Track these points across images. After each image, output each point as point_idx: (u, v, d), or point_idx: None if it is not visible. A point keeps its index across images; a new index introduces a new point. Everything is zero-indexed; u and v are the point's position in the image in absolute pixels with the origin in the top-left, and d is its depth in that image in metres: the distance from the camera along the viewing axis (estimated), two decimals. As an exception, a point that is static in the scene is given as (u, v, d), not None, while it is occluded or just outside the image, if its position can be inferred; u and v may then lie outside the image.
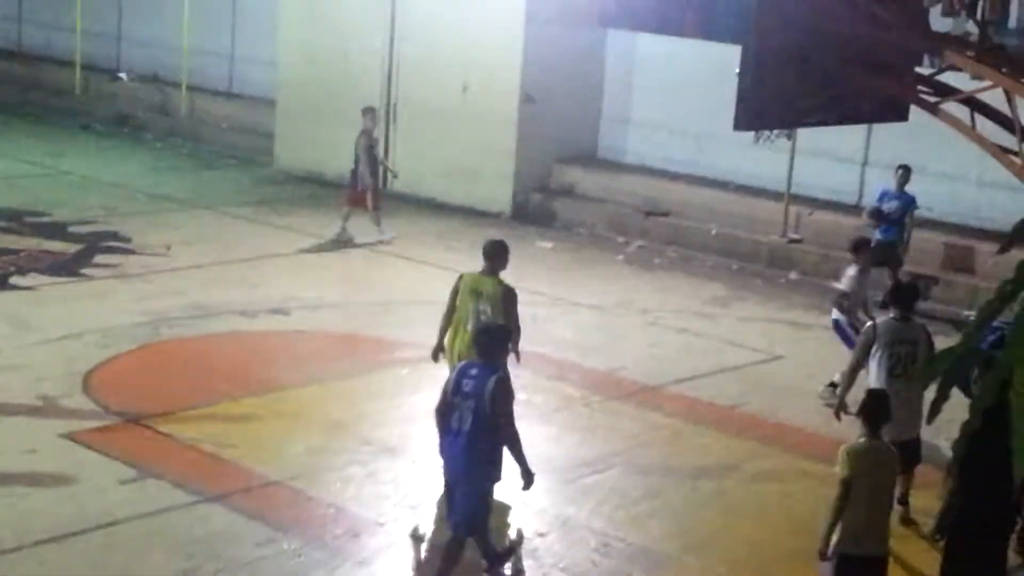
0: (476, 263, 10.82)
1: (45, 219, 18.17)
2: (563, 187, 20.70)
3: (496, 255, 10.62)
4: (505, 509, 9.83)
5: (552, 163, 20.74)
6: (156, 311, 14.43)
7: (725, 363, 14.11)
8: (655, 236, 19.29)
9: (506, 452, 8.72)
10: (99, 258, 16.49)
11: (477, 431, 8.58)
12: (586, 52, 20.76)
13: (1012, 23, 18.17)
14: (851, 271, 12.98)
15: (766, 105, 10.10)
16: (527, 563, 9.39)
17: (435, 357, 10.77)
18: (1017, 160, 10.10)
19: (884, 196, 16.21)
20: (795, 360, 14.35)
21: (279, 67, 22.72)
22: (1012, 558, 9.15)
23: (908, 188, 16.16)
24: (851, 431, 8.80)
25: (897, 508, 9.42)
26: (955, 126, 10.44)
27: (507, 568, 9.27)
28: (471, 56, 20.26)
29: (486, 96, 20.25)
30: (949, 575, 8.79)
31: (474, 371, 8.68)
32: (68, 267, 16.02)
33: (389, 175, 19.85)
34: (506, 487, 9.05)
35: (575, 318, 15.51)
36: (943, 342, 9.79)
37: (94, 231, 17.69)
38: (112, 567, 9.03)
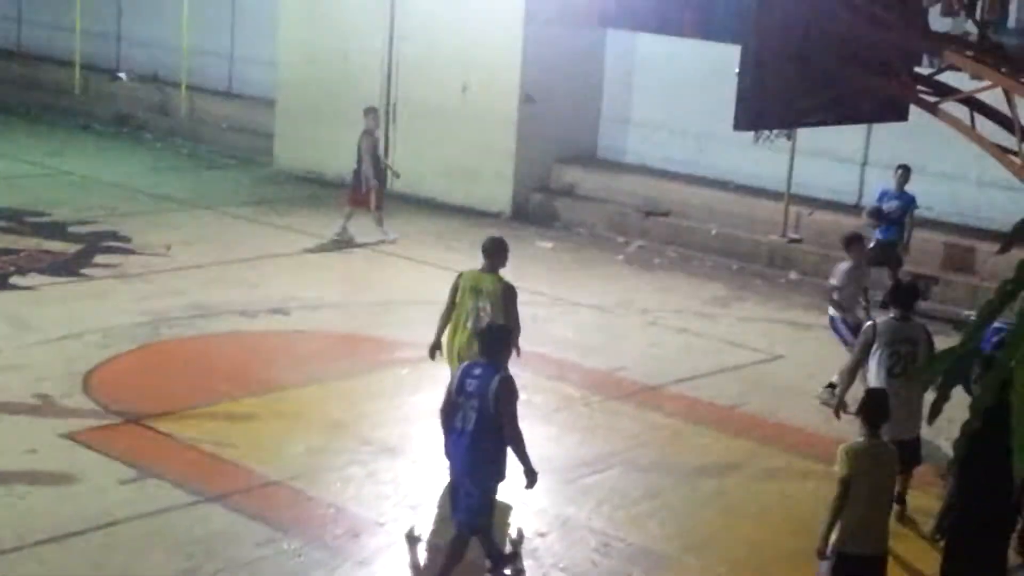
0: (476, 263, 10.82)
1: (45, 219, 18.17)
2: (563, 187, 20.69)
3: (495, 252, 10.64)
4: (507, 509, 9.82)
5: (552, 163, 20.73)
6: (156, 311, 14.42)
7: (725, 363, 14.11)
8: (655, 236, 19.28)
9: (510, 451, 8.73)
10: (99, 258, 16.48)
11: (481, 431, 8.60)
12: (586, 52, 20.75)
13: (1011, 23, 18.13)
14: (843, 266, 13.00)
15: (766, 105, 10.10)
16: (527, 563, 9.39)
17: (432, 354, 10.79)
18: (1017, 160, 10.09)
19: (884, 196, 16.21)
20: (795, 360, 14.34)
21: (279, 67, 22.71)
22: (1012, 558, 9.14)
23: (908, 188, 16.16)
24: (851, 430, 8.81)
25: (894, 507, 9.42)
26: (955, 126, 10.43)
27: (507, 568, 9.27)
28: (471, 56, 20.25)
29: (486, 96, 20.24)
30: (949, 575, 8.80)
31: (478, 371, 8.70)
32: (68, 267, 16.01)
33: (391, 175, 19.83)
34: (509, 486, 9.04)
35: (575, 318, 15.51)
36: (943, 342, 9.81)
37: (94, 231, 17.69)
38: (112, 567, 9.03)
